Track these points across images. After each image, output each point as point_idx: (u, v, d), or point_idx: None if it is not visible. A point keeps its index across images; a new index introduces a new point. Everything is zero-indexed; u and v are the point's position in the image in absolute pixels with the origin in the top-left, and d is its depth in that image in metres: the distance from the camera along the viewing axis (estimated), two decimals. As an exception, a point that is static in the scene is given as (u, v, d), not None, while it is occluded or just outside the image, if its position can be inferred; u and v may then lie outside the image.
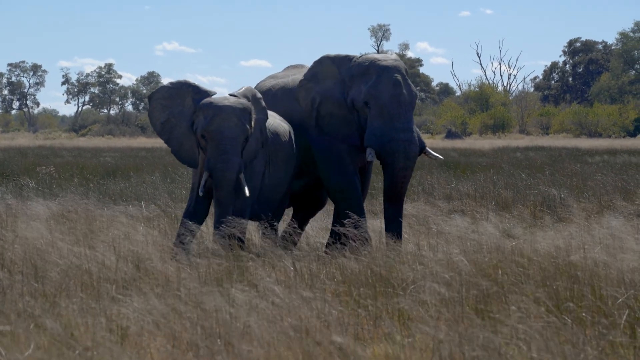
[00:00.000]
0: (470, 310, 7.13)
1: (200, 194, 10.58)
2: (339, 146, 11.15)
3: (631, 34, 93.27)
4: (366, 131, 10.90)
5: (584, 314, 6.92)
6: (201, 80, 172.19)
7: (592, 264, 8.25)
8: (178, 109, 10.88)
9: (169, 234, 11.19)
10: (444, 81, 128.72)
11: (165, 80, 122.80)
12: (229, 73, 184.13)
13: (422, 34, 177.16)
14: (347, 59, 11.25)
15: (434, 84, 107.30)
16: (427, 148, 11.12)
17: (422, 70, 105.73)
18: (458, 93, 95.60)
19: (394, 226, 10.82)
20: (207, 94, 10.84)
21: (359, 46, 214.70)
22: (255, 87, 11.68)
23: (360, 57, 11.22)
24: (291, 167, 11.39)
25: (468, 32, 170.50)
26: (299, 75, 11.62)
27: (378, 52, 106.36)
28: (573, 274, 7.86)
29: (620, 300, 7.04)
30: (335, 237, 10.89)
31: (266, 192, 11.02)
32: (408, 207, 13.53)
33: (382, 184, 11.16)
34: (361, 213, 10.90)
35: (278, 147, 11.18)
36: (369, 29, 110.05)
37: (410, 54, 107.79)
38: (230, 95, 10.90)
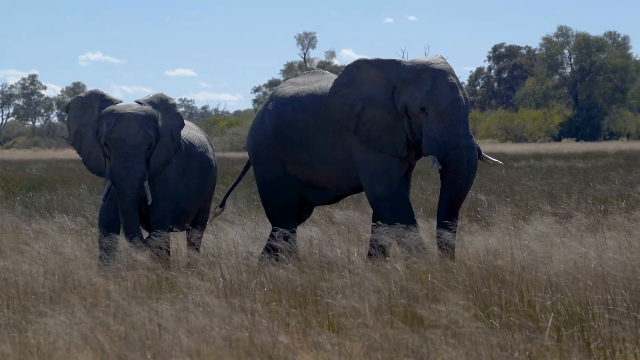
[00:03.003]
0: (400, 316, 7.16)
1: (102, 202, 10.50)
2: (383, 153, 10.54)
3: (555, 39, 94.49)
4: (424, 139, 10.30)
5: (512, 318, 6.98)
6: (126, 90, 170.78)
7: (520, 269, 8.33)
8: (87, 119, 10.81)
9: (96, 245, 11.07)
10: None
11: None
12: (154, 83, 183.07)
13: (348, 42, 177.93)
14: (394, 62, 10.62)
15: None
16: (484, 153, 10.63)
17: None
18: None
19: (449, 237, 10.06)
20: (112, 102, 10.75)
21: (286, 54, 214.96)
22: (276, 94, 11.24)
23: (408, 61, 10.62)
24: (207, 177, 11.26)
25: (393, 39, 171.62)
26: (325, 82, 11.00)
27: (305, 60, 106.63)
28: (501, 278, 7.93)
29: (547, 304, 7.12)
30: (377, 247, 10.43)
31: (181, 202, 10.86)
32: (337, 215, 13.54)
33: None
34: (413, 222, 10.36)
35: (193, 156, 11.06)
36: (295, 37, 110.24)
37: (336, 61, 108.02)
38: (136, 102, 10.79)
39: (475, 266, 8.47)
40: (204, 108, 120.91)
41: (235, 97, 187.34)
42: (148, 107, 10.64)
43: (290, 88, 11.22)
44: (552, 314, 6.85)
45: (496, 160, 10.82)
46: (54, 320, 6.94)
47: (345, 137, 10.67)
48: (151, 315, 6.91)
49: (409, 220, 10.32)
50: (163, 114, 10.78)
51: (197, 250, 10.90)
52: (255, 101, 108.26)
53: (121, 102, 10.79)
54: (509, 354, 5.81)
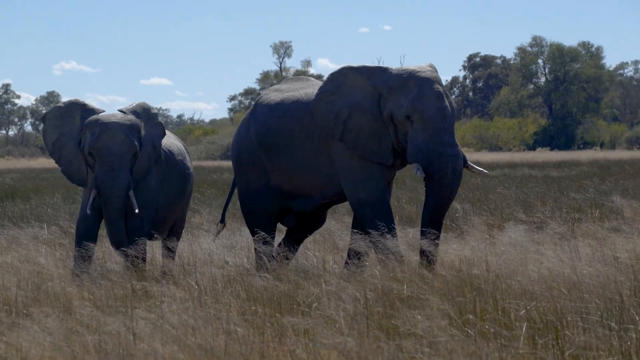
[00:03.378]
0: (375, 324, 7.16)
1: (88, 212, 10.42)
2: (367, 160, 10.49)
3: (529, 49, 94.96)
4: (409, 146, 10.26)
5: (487, 327, 7.00)
6: (101, 99, 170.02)
7: (494, 277, 8.35)
8: (67, 128, 10.78)
9: (70, 255, 11.02)
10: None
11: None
12: (129, 92, 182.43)
13: (323, 51, 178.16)
14: (380, 69, 10.55)
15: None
16: (469, 162, 10.52)
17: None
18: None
19: (429, 246, 10.02)
20: (94, 111, 10.74)
21: (262, 63, 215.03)
22: (260, 101, 11.15)
23: (394, 68, 10.55)
24: (185, 186, 11.28)
25: (368, 48, 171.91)
26: (310, 89, 10.91)
27: (281, 69, 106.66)
28: (476, 286, 7.95)
29: (521, 312, 7.14)
30: (354, 255, 10.42)
31: (160, 210, 10.88)
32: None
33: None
34: (393, 229, 10.33)
35: (172, 165, 11.08)
36: (271, 46, 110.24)
37: (312, 70, 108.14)
38: (119, 111, 10.79)
39: (451, 275, 8.49)
40: (180, 117, 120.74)
41: (211, 106, 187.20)
42: (132, 117, 10.65)
43: (275, 95, 11.14)
44: (526, 323, 6.87)
45: (482, 169, 10.78)
46: (27, 332, 6.91)
47: (330, 144, 10.62)
48: (126, 325, 6.88)
49: (390, 227, 10.30)
50: (145, 123, 10.80)
51: (173, 259, 10.88)
52: (231, 110, 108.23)
53: (103, 111, 10.79)
54: (484, 362, 5.82)
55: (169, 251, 10.93)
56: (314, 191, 10.85)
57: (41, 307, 7.99)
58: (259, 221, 11.08)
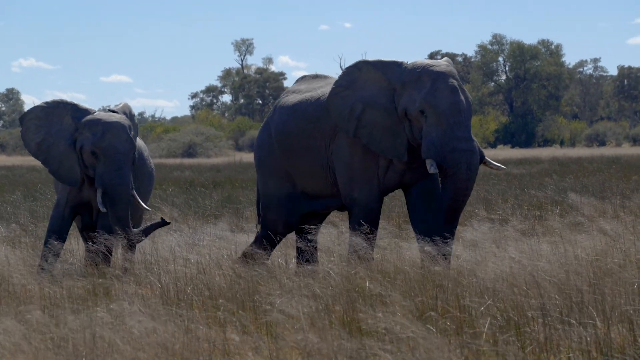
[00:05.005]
0: (337, 321, 7.17)
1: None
2: (368, 160, 10.33)
3: (489, 47, 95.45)
4: (423, 142, 10.01)
5: (448, 324, 7.03)
6: (61, 96, 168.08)
7: (456, 274, 8.39)
8: (55, 128, 10.79)
9: (31, 252, 10.96)
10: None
11: (25, 97, 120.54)
12: (89, 89, 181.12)
13: (284, 48, 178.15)
14: (395, 64, 10.35)
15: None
16: (487, 158, 10.30)
17: (286, 83, 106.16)
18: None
19: (445, 248, 9.76)
20: (88, 111, 10.84)
21: (223, 60, 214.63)
22: (279, 104, 11.05)
23: (409, 63, 10.33)
24: (152, 184, 11.60)
25: (329, 46, 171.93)
26: (328, 88, 10.69)
27: (242, 67, 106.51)
28: (438, 283, 7.98)
29: (480, 309, 7.18)
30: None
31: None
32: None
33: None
34: (375, 229, 10.24)
35: (142, 164, 11.29)
36: (232, 43, 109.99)
37: (273, 67, 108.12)
38: (111, 111, 10.95)
39: (413, 272, 8.52)
40: (141, 114, 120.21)
41: (172, 104, 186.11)
42: (125, 117, 10.88)
43: (293, 97, 11.01)
44: (488, 319, 6.90)
45: (499, 164, 10.57)
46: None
47: (336, 138, 10.50)
48: (86, 322, 6.85)
49: (374, 227, 10.23)
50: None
51: (133, 254, 10.93)
52: (192, 107, 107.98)
53: (95, 111, 10.91)
54: (446, 358, 5.84)
55: (130, 247, 10.96)
56: (335, 192, 10.68)
57: (0, 305, 7.93)
58: (280, 227, 10.97)
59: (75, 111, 10.83)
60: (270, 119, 11.18)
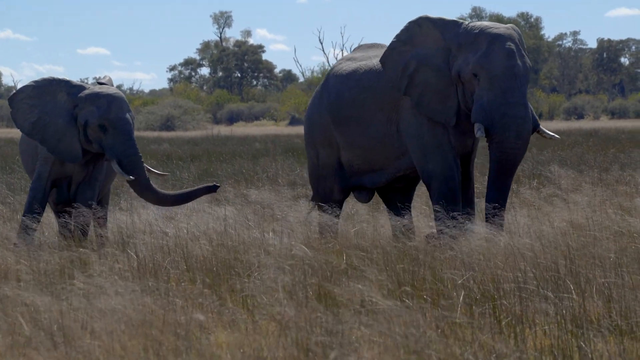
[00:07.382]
0: (314, 295, 7.17)
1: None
2: (437, 128, 10.01)
3: (469, 20, 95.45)
4: (474, 106, 9.72)
5: (424, 297, 7.04)
6: (38, 69, 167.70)
7: (432, 248, 8.40)
8: (49, 106, 10.74)
9: (7, 225, 10.93)
10: (287, 68, 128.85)
11: (2, 69, 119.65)
12: (66, 61, 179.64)
13: (263, 21, 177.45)
14: (454, 23, 10.04)
15: (276, 70, 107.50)
16: (541, 127, 10.04)
17: (264, 57, 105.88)
18: (301, 79, 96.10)
19: (495, 213, 9.56)
20: (83, 87, 10.85)
21: (202, 33, 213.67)
22: (333, 72, 10.85)
23: (469, 23, 10.03)
24: None
25: (308, 19, 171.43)
26: None
27: (221, 39, 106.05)
28: (414, 257, 7.99)
29: (458, 282, 7.19)
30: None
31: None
32: (252, 195, 13.53)
33: None
34: (456, 205, 9.86)
35: None
36: (211, 15, 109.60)
37: (251, 40, 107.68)
38: (100, 84, 11.01)
39: (389, 245, 8.53)
40: (119, 87, 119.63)
41: (150, 76, 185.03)
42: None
43: (347, 65, 10.80)
44: (463, 292, 6.92)
45: (553, 134, 10.25)
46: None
47: (400, 110, 10.26)
48: (62, 296, 6.83)
49: (454, 203, 9.90)
50: None
51: (105, 224, 10.98)
52: (170, 80, 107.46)
53: (89, 86, 10.93)
54: (421, 331, 5.85)
55: (101, 218, 10.98)
56: (386, 165, 10.47)
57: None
58: (326, 197, 10.90)
59: (70, 87, 10.81)
60: (322, 87, 10.98)
